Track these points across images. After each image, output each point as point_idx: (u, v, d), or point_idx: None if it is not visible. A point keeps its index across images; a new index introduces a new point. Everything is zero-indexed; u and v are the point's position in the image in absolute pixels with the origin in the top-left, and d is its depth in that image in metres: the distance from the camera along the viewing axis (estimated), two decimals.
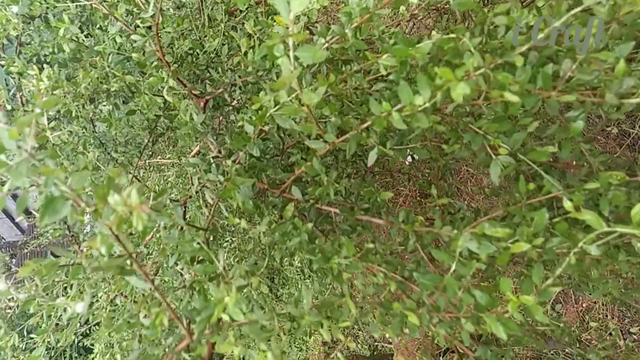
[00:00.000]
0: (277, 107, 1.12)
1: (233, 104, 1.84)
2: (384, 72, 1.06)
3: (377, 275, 1.15)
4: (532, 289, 1.04)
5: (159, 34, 1.46)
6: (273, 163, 1.47)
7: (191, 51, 1.72)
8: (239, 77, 1.60)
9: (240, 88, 1.64)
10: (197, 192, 1.37)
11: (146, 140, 1.96)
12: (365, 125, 1.07)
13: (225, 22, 1.69)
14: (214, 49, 1.70)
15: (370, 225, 1.31)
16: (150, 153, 2.01)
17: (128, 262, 0.96)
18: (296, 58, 0.90)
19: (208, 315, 0.97)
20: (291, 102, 1.07)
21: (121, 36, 1.59)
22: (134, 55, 1.56)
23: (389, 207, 1.42)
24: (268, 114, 1.15)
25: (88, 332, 1.97)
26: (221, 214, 1.56)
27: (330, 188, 1.15)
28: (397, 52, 0.92)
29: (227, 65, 1.73)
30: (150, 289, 1.02)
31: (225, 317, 0.92)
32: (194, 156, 1.76)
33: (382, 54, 1.06)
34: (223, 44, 1.66)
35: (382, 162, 2.52)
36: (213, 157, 1.48)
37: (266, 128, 1.24)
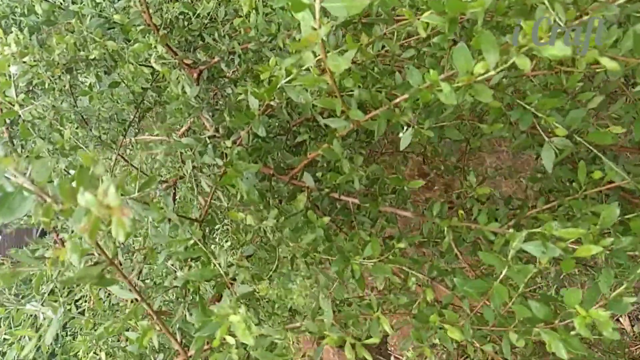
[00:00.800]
0: (290, 77, 0.92)
1: (230, 75, 1.63)
2: (423, 34, 0.85)
3: (408, 280, 0.96)
4: (596, 299, 0.86)
5: None
6: (277, 144, 1.27)
7: (182, 15, 1.49)
8: (238, 43, 1.39)
9: (239, 56, 1.42)
10: (190, 176, 1.17)
11: (132, 116, 1.74)
12: (399, 99, 0.88)
13: None
14: (209, 12, 1.48)
15: (395, 219, 1.12)
16: (137, 130, 1.79)
17: (108, 269, 0.77)
18: (324, 12, 0.69)
19: (208, 334, 0.78)
20: (309, 70, 0.87)
21: None
22: (116, 17, 1.34)
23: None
24: (279, 86, 0.95)
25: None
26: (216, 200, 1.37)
27: (354, 175, 0.95)
28: (450, 4, 0.72)
29: (223, 30, 1.51)
30: (137, 300, 0.83)
31: (230, 340, 0.73)
32: (184, 134, 1.55)
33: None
34: (219, 4, 1.44)
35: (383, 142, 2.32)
36: (209, 137, 1.28)
37: (274, 103, 1.04)
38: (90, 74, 1.63)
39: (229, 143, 1.17)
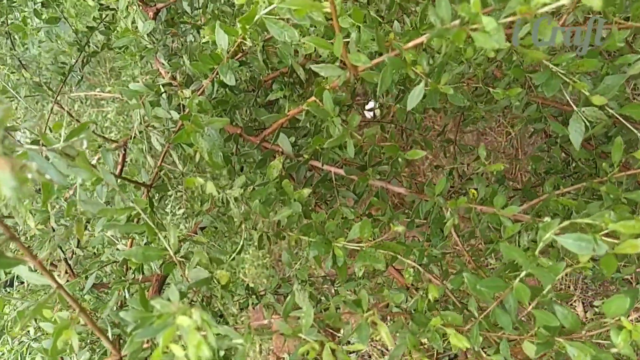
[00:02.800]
0: (272, 5, 0.71)
1: (194, 20, 1.39)
2: None
3: (405, 272, 0.78)
4: (632, 308, 0.70)
5: None
6: (247, 98, 1.06)
7: None
8: None
9: None
10: (141, 132, 0.95)
11: (73, 61, 1.48)
12: (415, 42, 0.68)
13: None
14: None
15: (386, 195, 0.93)
16: (80, 77, 1.53)
17: (8, 243, 0.55)
18: None
19: (147, 335, 0.58)
20: None
21: None
22: None
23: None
24: (257, 16, 0.73)
25: None
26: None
27: (348, 138, 0.75)
28: None
29: None
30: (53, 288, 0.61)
31: (176, 351, 0.53)
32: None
33: None
34: None
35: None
36: (164, 85, 1.05)
37: (248, 43, 0.82)
38: (24, 6, 1.36)
39: (187, 93, 0.95)
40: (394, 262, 0.92)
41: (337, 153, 0.91)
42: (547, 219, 0.65)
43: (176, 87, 1.02)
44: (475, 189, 0.83)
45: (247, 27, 0.75)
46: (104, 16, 1.49)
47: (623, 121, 0.85)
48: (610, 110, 0.86)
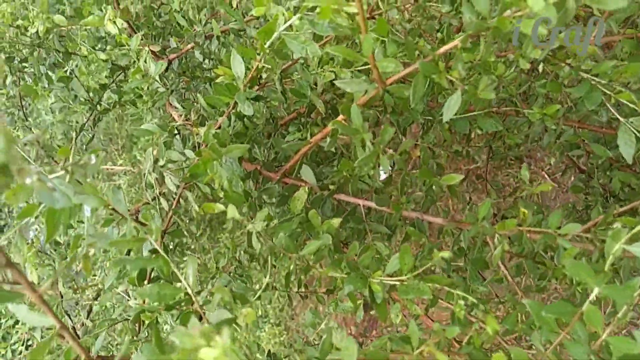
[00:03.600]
0: (293, 18, 0.66)
1: (206, 72, 1.37)
2: None
3: (455, 308, 0.68)
4: None
5: None
6: (265, 133, 1.00)
7: None
8: (217, 22, 1.13)
9: (218, 39, 1.17)
10: (154, 198, 0.89)
11: (84, 120, 1.45)
12: (449, 46, 0.63)
13: None
14: None
15: (423, 226, 0.85)
16: (92, 136, 1.49)
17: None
18: None
19: None
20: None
21: None
22: None
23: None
24: (277, 33, 0.69)
25: None
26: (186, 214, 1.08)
27: (380, 154, 0.68)
28: None
29: (199, 13, 1.25)
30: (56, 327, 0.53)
31: None
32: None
33: None
34: None
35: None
36: (178, 127, 1.00)
37: (264, 66, 0.78)
38: (36, 64, 1.35)
39: (202, 130, 0.90)
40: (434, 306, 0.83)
41: (366, 182, 0.84)
42: (617, 225, 0.56)
43: (190, 127, 0.97)
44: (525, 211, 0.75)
45: (265, 45, 0.71)
46: (115, 75, 1.48)
47: None
48: None
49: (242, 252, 1.33)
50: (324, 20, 0.62)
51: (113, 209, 0.73)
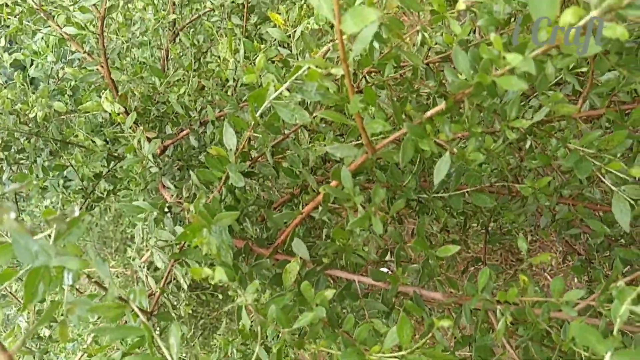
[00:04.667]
0: (283, 86, 0.68)
1: (201, 155, 1.39)
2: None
3: None
4: None
5: (104, 36, 1.03)
6: (256, 208, 0.99)
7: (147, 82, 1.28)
8: (209, 103, 1.16)
9: (213, 123, 1.19)
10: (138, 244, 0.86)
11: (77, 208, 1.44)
12: (435, 109, 0.64)
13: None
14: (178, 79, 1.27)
15: (421, 301, 0.81)
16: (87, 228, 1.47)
17: None
18: None
19: None
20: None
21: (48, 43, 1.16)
22: (68, 70, 1.12)
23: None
24: (267, 102, 0.71)
25: None
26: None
27: (374, 219, 0.66)
28: None
29: (196, 103, 1.29)
30: None
31: None
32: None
33: None
34: (195, 72, 1.24)
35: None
36: (169, 207, 0.99)
37: (255, 134, 0.78)
38: (32, 154, 1.37)
39: (192, 207, 0.89)
40: None
41: (361, 255, 0.82)
42: (620, 283, 0.54)
43: (181, 204, 0.96)
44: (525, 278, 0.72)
45: (257, 114, 0.72)
46: (111, 165, 1.50)
47: None
48: None
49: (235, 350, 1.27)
50: (313, 84, 0.64)
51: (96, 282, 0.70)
